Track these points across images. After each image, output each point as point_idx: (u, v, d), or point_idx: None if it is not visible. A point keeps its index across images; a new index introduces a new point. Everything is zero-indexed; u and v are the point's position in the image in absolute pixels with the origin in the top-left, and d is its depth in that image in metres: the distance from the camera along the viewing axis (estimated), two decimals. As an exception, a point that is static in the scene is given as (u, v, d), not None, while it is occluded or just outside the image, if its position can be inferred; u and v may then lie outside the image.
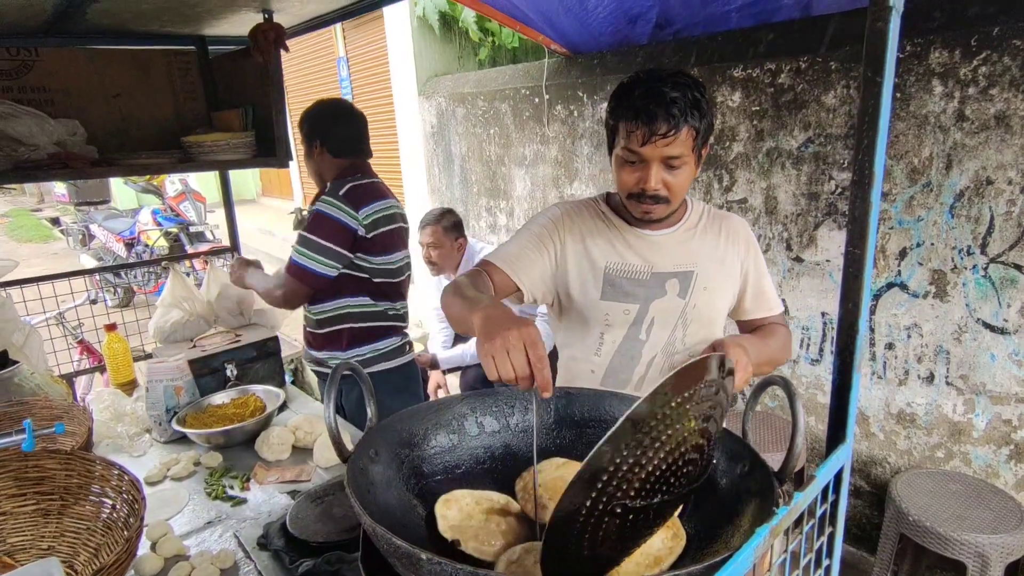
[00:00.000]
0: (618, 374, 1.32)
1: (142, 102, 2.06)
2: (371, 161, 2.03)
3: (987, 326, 1.98)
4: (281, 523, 1.30)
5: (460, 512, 0.86)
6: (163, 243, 6.19)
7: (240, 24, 1.88)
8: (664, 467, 0.65)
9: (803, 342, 2.48)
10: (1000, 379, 1.98)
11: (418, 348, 3.17)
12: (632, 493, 0.64)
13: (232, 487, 1.55)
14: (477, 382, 2.99)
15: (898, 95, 2.03)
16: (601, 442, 0.60)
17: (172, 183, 6.40)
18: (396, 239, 1.95)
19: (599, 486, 0.62)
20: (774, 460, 0.84)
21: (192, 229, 6.10)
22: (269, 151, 1.94)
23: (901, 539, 1.98)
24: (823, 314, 2.38)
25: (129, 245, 6.35)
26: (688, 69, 2.63)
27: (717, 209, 1.37)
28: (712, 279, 1.29)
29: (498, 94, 3.69)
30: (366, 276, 1.92)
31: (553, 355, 2.94)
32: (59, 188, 8.92)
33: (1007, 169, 1.86)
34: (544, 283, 1.29)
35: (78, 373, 2.27)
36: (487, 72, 3.95)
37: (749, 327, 1.39)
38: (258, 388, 1.98)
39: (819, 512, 0.73)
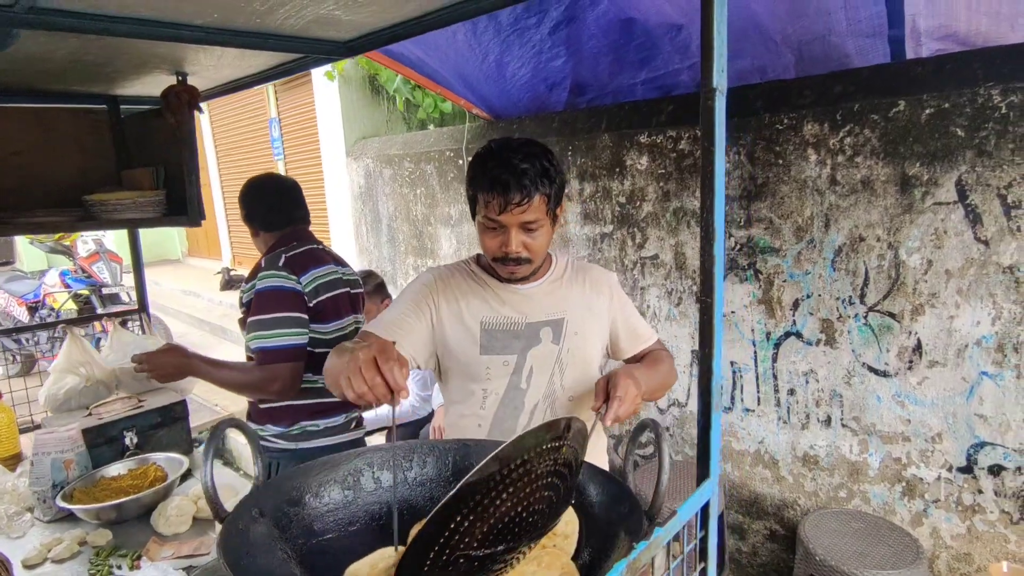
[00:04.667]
0: (503, 423, 1.36)
1: (45, 160, 2.00)
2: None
3: (872, 370, 2.15)
4: (170, 604, 1.22)
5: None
6: (71, 306, 5.81)
7: (154, 85, 1.88)
8: (507, 520, 0.67)
9: (715, 390, 2.59)
10: (887, 419, 2.14)
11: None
12: (475, 544, 0.67)
13: (120, 567, 1.44)
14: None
15: (780, 162, 2.24)
16: (440, 505, 0.63)
17: (85, 243, 6.07)
18: (340, 305, 1.85)
19: (441, 541, 0.65)
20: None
21: (105, 291, 5.77)
22: (181, 210, 1.92)
23: (811, 580, 2.04)
24: (732, 363, 2.51)
25: (32, 308, 5.92)
26: (600, 134, 2.81)
27: (581, 262, 1.48)
28: (582, 324, 1.37)
29: (424, 156, 3.79)
30: (309, 348, 1.78)
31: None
32: (-42, 249, 8.29)
33: (875, 227, 2.07)
34: (425, 346, 1.34)
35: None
36: (413, 135, 4.07)
37: (635, 360, 1.48)
38: (160, 456, 1.87)
39: (687, 548, 0.77)
